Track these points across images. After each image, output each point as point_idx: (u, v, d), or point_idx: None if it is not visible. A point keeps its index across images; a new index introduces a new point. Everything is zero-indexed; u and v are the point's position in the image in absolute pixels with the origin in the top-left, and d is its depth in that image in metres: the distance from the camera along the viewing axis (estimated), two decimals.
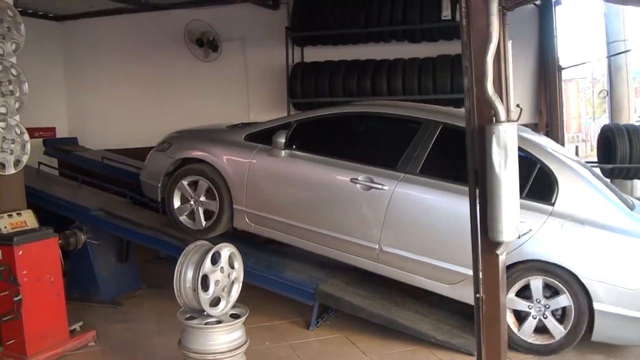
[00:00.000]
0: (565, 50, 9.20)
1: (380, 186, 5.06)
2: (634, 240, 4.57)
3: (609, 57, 9.07)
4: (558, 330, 4.69)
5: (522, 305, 4.77)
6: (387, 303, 5.32)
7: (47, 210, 6.14)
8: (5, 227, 4.68)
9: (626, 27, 8.88)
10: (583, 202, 4.68)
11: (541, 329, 4.77)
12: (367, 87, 8.35)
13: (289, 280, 5.46)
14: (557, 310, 4.71)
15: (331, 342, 5.15)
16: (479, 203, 3.05)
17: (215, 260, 3.68)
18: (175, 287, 3.65)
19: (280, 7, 9.36)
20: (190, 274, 3.63)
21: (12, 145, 4.81)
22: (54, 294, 4.89)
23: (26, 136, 4.95)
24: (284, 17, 9.27)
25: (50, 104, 9.83)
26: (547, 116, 8.76)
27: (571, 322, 4.66)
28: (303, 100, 8.77)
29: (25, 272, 4.61)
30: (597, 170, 6.17)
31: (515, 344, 4.77)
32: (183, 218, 5.91)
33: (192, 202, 5.87)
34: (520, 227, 2.99)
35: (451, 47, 8.45)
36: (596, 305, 4.54)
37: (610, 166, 7.63)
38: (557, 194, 4.70)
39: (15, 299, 4.53)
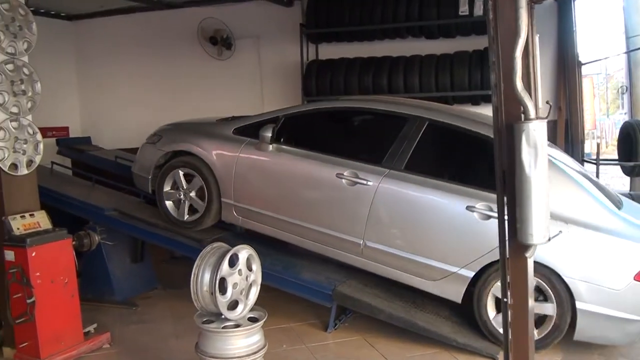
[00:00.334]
0: (583, 46, 9.04)
1: (364, 182, 5.05)
2: (618, 240, 4.50)
3: (628, 52, 8.87)
4: (550, 314, 4.66)
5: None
6: (406, 305, 5.21)
7: (61, 210, 6.09)
8: (18, 229, 4.61)
9: None
10: (567, 201, 4.60)
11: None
12: (383, 85, 8.21)
13: (307, 281, 5.37)
14: (539, 315, 4.65)
15: (350, 345, 5.05)
16: (507, 204, 2.94)
17: (232, 262, 3.59)
18: (192, 290, 3.56)
19: (294, 4, 9.25)
20: (207, 276, 3.53)
21: (25, 146, 4.75)
22: (68, 296, 4.83)
23: (39, 136, 4.89)
24: (298, 14, 9.16)
25: (63, 103, 9.83)
26: (567, 113, 8.59)
27: (547, 330, 4.67)
28: (318, 98, 8.62)
29: (38, 274, 4.55)
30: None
31: (488, 333, 4.81)
32: (172, 209, 5.95)
33: (181, 195, 5.89)
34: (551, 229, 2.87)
35: (468, 43, 8.32)
36: (579, 305, 4.51)
37: (631, 164, 7.47)
38: None
39: (28, 301, 4.48)
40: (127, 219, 6.09)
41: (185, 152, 5.90)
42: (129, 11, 9.86)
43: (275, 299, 5.56)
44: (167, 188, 5.95)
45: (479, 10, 7.94)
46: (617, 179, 13.69)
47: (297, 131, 5.64)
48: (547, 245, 4.35)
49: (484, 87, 7.94)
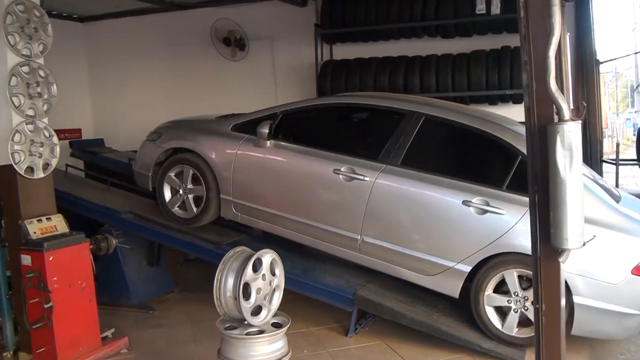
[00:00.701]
0: (600, 44, 8.90)
1: (361, 177, 5.05)
2: (615, 233, 4.47)
3: None
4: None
5: (501, 300, 4.75)
6: (428, 309, 5.13)
7: (74, 213, 6.03)
8: (35, 233, 4.58)
9: None
10: None
11: (525, 322, 4.72)
12: (399, 85, 8.10)
13: (327, 285, 5.29)
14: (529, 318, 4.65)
15: (371, 350, 4.97)
16: (540, 207, 2.85)
17: (256, 267, 3.50)
18: (215, 295, 3.47)
19: (308, 3, 9.15)
20: (230, 282, 3.44)
21: (41, 149, 4.72)
22: (86, 300, 4.79)
23: (55, 139, 4.86)
24: (312, 14, 9.07)
25: (75, 105, 9.82)
26: (585, 112, 8.44)
27: (526, 336, 4.66)
28: None
29: (55, 278, 4.52)
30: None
31: (502, 340, 4.76)
32: (172, 206, 5.95)
33: (180, 192, 5.90)
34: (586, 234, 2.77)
35: (485, 43, 8.18)
36: (576, 299, 4.47)
37: None
38: None
39: (45, 306, 4.45)
40: (143, 222, 6.03)
41: (185, 150, 5.91)
42: (141, 13, 9.83)
43: (293, 303, 5.41)
44: (166, 185, 5.96)
45: (496, 9, 7.82)
46: (629, 179, 13.59)
47: (294, 127, 5.66)
48: None
49: (501, 87, 7.84)
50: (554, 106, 2.71)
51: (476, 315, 4.83)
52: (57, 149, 4.86)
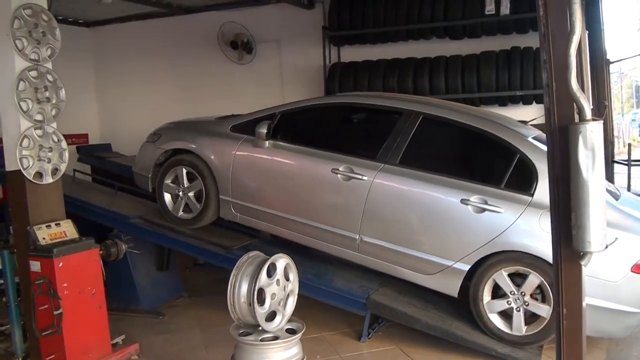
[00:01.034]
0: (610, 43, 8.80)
1: (359, 176, 5.04)
2: (616, 231, 4.29)
3: None
4: (545, 309, 4.58)
5: (501, 305, 4.72)
6: (442, 313, 5.06)
7: (82, 218, 5.99)
8: (44, 238, 4.51)
9: None
10: None
11: (506, 316, 4.73)
12: (408, 87, 8.03)
13: (340, 290, 5.23)
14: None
15: (385, 355, 4.90)
16: (561, 210, 2.77)
17: (270, 272, 3.44)
18: (229, 301, 3.41)
19: (315, 6, 9.10)
20: (245, 287, 3.39)
21: (50, 154, 4.66)
22: (96, 307, 4.72)
23: (64, 144, 4.80)
24: (320, 16, 9.03)
25: (82, 110, 9.82)
26: (596, 113, 8.37)
27: (536, 330, 4.62)
28: None
29: (65, 284, 4.44)
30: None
31: (516, 343, 4.69)
32: (171, 207, 5.96)
33: (180, 192, 5.90)
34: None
35: (495, 43, 8.12)
36: None
37: None
38: (536, 184, 4.60)
39: (55, 312, 4.37)
40: (152, 227, 5.98)
41: (184, 150, 5.91)
42: (148, 17, 9.82)
43: (304, 307, 5.31)
44: (166, 186, 5.96)
45: (505, 9, 7.76)
46: (636, 180, 13.46)
47: (293, 127, 5.63)
48: (542, 237, 4.39)
49: (511, 88, 7.77)
50: (575, 106, 2.65)
51: (483, 326, 4.78)
52: (66, 154, 4.80)
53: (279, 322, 3.49)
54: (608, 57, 8.50)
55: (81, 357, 4.53)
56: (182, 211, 5.90)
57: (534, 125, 5.60)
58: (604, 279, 4.37)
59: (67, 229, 4.71)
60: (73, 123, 9.05)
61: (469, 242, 4.71)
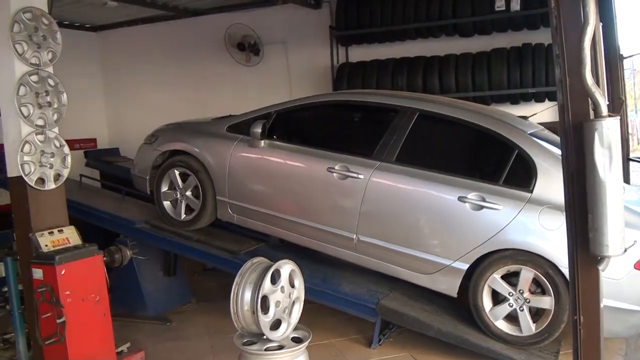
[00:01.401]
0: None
1: (356, 175, 4.98)
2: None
3: None
4: (547, 301, 4.49)
5: (504, 309, 4.63)
6: (454, 319, 4.91)
7: (89, 223, 5.97)
8: (46, 245, 4.41)
9: None
10: (563, 189, 4.35)
11: (513, 319, 4.64)
12: (418, 85, 7.91)
13: (348, 295, 5.10)
14: (536, 307, 4.57)
15: None
16: (576, 211, 2.64)
17: (274, 279, 3.33)
18: (231, 309, 3.30)
19: (322, 6, 9.00)
20: (248, 295, 3.28)
21: (52, 159, 4.56)
22: (100, 314, 4.61)
23: (66, 149, 4.69)
24: (327, 16, 8.93)
25: (90, 115, 9.82)
26: (610, 110, 8.19)
27: (545, 325, 4.50)
28: None
29: (68, 292, 4.34)
30: None
31: (531, 344, 4.58)
32: (169, 209, 5.95)
33: (177, 194, 5.89)
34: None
35: (506, 40, 7.96)
36: None
37: None
38: (535, 180, 4.52)
39: (58, 321, 4.27)
40: (158, 232, 5.91)
41: (181, 152, 5.88)
42: (154, 20, 9.80)
43: (312, 312, 5.26)
44: (164, 188, 5.94)
45: (515, 5, 7.62)
46: None
47: (288, 126, 5.62)
48: (542, 234, 4.32)
49: (523, 85, 7.62)
50: (590, 101, 2.52)
51: (493, 335, 4.67)
52: (69, 159, 4.71)
53: (284, 331, 3.38)
54: (621, 52, 8.32)
55: None
56: (184, 213, 5.86)
57: (542, 124, 5.46)
58: (606, 276, 4.21)
59: (70, 236, 4.62)
60: (81, 128, 9.06)
61: (467, 240, 4.63)
